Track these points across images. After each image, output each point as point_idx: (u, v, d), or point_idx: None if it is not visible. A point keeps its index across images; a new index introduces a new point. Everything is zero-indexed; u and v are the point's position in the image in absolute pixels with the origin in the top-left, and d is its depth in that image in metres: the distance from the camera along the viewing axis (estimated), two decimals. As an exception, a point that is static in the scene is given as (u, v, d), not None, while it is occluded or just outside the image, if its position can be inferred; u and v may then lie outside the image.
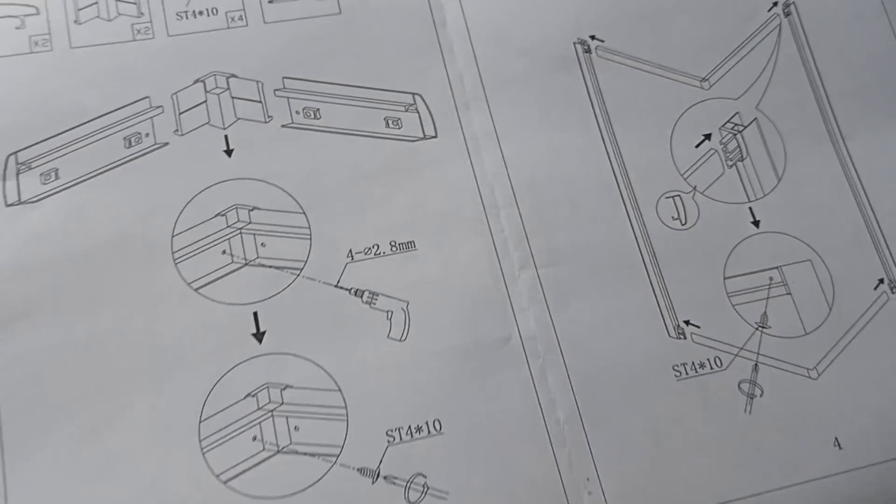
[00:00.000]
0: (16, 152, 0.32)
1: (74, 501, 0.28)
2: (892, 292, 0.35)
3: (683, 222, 0.35)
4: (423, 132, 0.35)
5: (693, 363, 0.33)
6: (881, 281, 0.35)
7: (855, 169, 0.37)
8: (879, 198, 0.36)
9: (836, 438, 0.33)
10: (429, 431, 0.31)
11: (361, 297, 0.32)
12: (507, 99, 0.35)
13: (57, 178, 0.32)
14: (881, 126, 0.37)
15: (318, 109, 0.34)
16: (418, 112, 0.35)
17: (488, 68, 0.36)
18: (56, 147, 0.32)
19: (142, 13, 0.34)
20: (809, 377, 0.34)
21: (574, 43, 0.37)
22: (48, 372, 0.30)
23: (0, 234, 0.31)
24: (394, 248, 0.33)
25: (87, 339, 0.30)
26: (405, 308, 0.32)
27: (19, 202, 0.31)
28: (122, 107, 0.33)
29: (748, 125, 0.37)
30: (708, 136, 0.36)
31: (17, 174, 0.32)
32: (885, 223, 0.36)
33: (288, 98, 0.34)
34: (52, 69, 0.33)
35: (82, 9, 0.34)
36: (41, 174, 0.32)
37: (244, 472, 0.30)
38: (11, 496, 0.28)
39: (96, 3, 0.34)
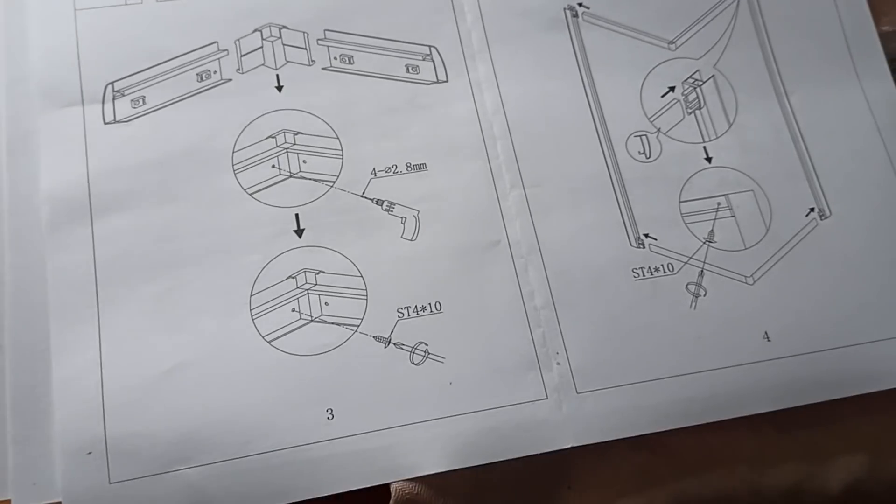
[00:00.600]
0: (112, 82, 0.40)
1: (153, 345, 0.36)
2: (821, 219, 0.42)
3: (648, 156, 0.42)
4: (437, 77, 0.42)
5: (649, 267, 0.40)
6: (812, 209, 0.42)
7: (795, 118, 0.43)
8: (814, 141, 0.43)
9: (766, 332, 0.39)
10: (431, 310, 0.38)
11: (381, 205, 0.40)
12: (506, 52, 0.42)
13: (144, 103, 0.40)
14: (820, 83, 0.44)
15: (352, 56, 0.42)
16: (433, 61, 0.42)
17: (492, 26, 0.43)
18: (144, 79, 0.40)
19: (213, -26, 0.42)
20: (746, 283, 0.40)
21: (564, 9, 0.44)
22: (134, 248, 0.37)
23: (99, 145, 0.39)
24: (409, 168, 0.40)
25: (164, 225, 0.38)
26: (416, 215, 0.40)
27: (115, 121, 0.39)
28: (196, 49, 0.41)
29: (706, 80, 0.44)
30: (672, 89, 0.43)
31: (114, 99, 0.40)
32: (818, 163, 0.43)
33: (328, 46, 0.42)
34: (142, 18, 0.41)
35: (166, -29, 0.42)
36: (131, 100, 0.40)
37: (284, 335, 0.37)
38: (105, 338, 0.36)
39: (177, -34, 0.42)
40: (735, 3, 0.45)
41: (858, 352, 0.39)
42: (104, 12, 0.41)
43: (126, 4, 0.41)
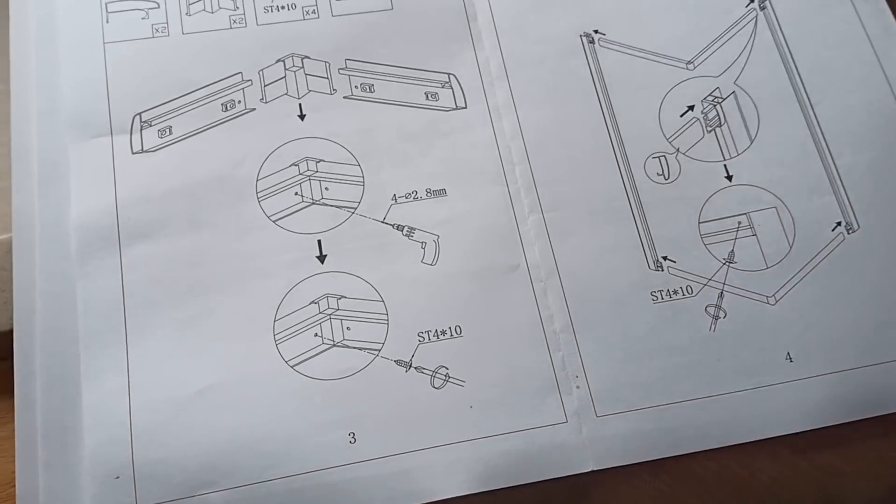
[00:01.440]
0: (140, 113, 0.41)
1: (179, 371, 0.37)
2: (848, 233, 0.41)
3: (667, 177, 0.42)
4: (456, 104, 0.42)
5: (668, 290, 0.40)
6: (839, 223, 0.41)
7: (820, 128, 0.43)
8: (841, 152, 0.42)
9: (788, 353, 0.39)
10: (451, 334, 0.38)
11: (402, 230, 0.40)
12: (524, 78, 0.43)
13: (171, 133, 0.40)
14: (846, 93, 0.44)
15: (373, 84, 0.42)
16: (452, 88, 0.43)
17: (510, 53, 0.43)
18: (171, 110, 0.41)
19: (237, 7, 0.43)
20: (768, 303, 0.40)
21: (580, 35, 0.44)
22: (162, 275, 0.38)
23: (127, 174, 0.39)
24: (429, 194, 0.41)
25: (190, 252, 0.39)
26: (436, 240, 0.40)
27: (142, 151, 0.40)
28: (221, 79, 0.42)
29: (727, 97, 0.43)
30: (691, 108, 0.43)
31: (141, 130, 0.40)
32: (845, 174, 0.42)
33: (349, 75, 0.42)
34: (168, 50, 0.42)
35: (192, 3, 0.43)
36: (158, 130, 0.40)
37: (307, 359, 0.38)
38: (132, 364, 0.37)
39: (202, 0, 0.43)
40: (753, 20, 0.45)
41: (883, 371, 0.39)
42: (132, 45, 0.42)
43: (153, 37, 0.42)
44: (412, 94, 0.42)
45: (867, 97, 0.44)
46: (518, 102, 0.42)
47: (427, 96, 0.42)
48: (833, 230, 0.41)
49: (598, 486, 0.37)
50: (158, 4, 0.43)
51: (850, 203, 0.42)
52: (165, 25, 0.42)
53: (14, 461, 0.35)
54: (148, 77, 0.41)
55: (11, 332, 0.37)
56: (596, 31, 0.44)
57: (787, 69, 0.44)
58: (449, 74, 0.43)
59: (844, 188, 0.42)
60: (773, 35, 0.45)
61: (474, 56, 0.43)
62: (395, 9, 0.44)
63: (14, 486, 0.35)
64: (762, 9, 0.45)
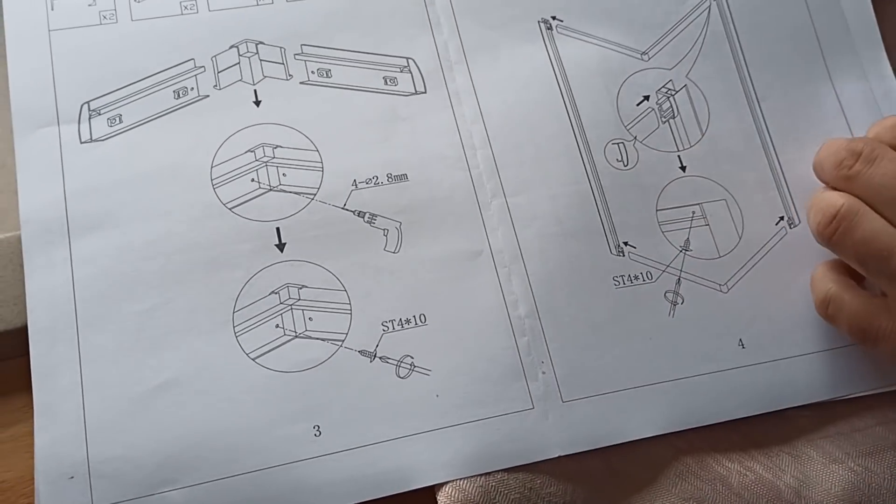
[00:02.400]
0: (88, 101, 0.39)
1: (135, 365, 0.35)
2: (790, 227, 0.42)
3: (625, 164, 0.41)
4: (415, 88, 0.41)
5: (629, 275, 0.39)
6: (781, 218, 0.42)
7: (766, 125, 0.43)
8: (784, 148, 0.43)
9: (741, 339, 0.39)
10: (416, 323, 0.37)
11: (363, 217, 0.39)
12: (483, 63, 0.42)
13: (120, 122, 0.39)
14: (791, 89, 0.44)
15: (330, 70, 0.41)
16: (411, 73, 0.41)
17: (468, 38, 0.42)
18: (120, 98, 0.39)
19: (188, -8, 0.41)
20: (721, 291, 0.40)
21: (538, 21, 0.43)
22: (114, 268, 0.36)
23: (75, 165, 0.37)
24: (390, 179, 0.39)
25: (144, 243, 0.37)
26: (398, 227, 0.39)
27: (91, 140, 0.38)
28: (172, 66, 0.40)
29: (679, 90, 0.43)
30: (647, 98, 0.43)
31: (90, 119, 0.38)
32: (788, 170, 0.42)
33: (305, 61, 0.41)
34: (117, 37, 0.40)
35: (141, -11, 0.41)
36: (108, 119, 0.39)
37: (269, 351, 0.36)
38: (85, 360, 0.35)
39: (153, -16, 0.41)
40: (706, 13, 0.45)
41: (823, 358, 0.39)
42: (79, 32, 0.40)
43: (101, 24, 0.40)
44: (370, 79, 0.41)
45: (811, 94, 0.44)
46: (478, 87, 0.41)
47: (386, 81, 0.41)
48: (777, 224, 0.42)
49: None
50: (105, -11, 0.41)
51: (791, 198, 0.42)
52: (114, 12, 0.40)
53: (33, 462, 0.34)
54: (96, 65, 0.39)
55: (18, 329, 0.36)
56: (554, 18, 0.43)
57: (736, 64, 0.44)
58: (407, 59, 0.42)
59: (787, 184, 0.42)
60: (724, 28, 0.45)
61: (433, 40, 0.42)
62: (352, -8, 0.42)
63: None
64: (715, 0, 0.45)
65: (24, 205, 0.37)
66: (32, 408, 0.34)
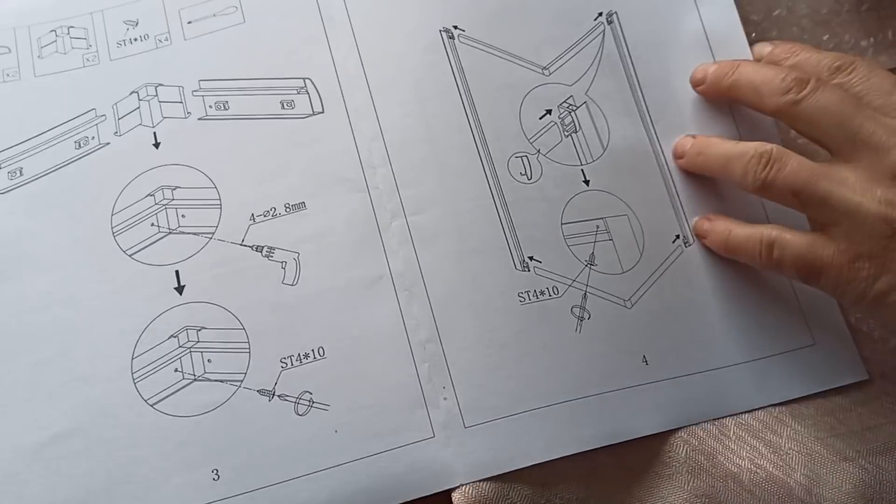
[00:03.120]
0: (-9, 157, 0.39)
1: (31, 416, 0.35)
2: (685, 246, 0.39)
3: (529, 177, 0.39)
4: (312, 109, 0.40)
5: (535, 290, 0.37)
6: (677, 236, 0.39)
7: (660, 145, 0.41)
8: (677, 170, 0.41)
9: (644, 356, 0.37)
10: (314, 357, 0.36)
11: (261, 251, 0.37)
12: (383, 77, 0.40)
13: (21, 175, 0.39)
14: (684, 108, 0.41)
15: (227, 102, 0.40)
16: (308, 93, 0.40)
17: (367, 51, 0.40)
18: (21, 151, 0.39)
19: (90, 45, 0.41)
20: (625, 306, 0.38)
21: (440, 31, 0.41)
22: (9, 319, 0.36)
23: (-24, 218, 0.38)
24: (288, 209, 0.38)
25: (41, 294, 0.37)
26: (296, 258, 0.37)
27: (-10, 194, 0.39)
28: (74, 117, 0.40)
29: (580, 106, 0.41)
30: (549, 112, 0.40)
31: (-8, 173, 0.39)
32: (682, 190, 0.40)
33: (203, 96, 0.40)
34: (21, 94, 0.40)
35: (44, 46, 0.41)
36: (8, 172, 0.39)
37: (167, 396, 0.35)
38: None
39: (55, 41, 0.41)
40: (601, 34, 0.42)
41: (724, 375, 0.37)
42: (-17, 92, 0.40)
43: (4, 82, 0.40)
44: (267, 105, 0.40)
45: (705, 117, 0.41)
46: (377, 102, 0.39)
47: (283, 105, 0.40)
48: (673, 242, 0.39)
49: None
50: (10, 49, 0.41)
51: (686, 218, 0.40)
52: (17, 69, 0.41)
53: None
54: (1, 121, 0.40)
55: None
56: (455, 27, 0.41)
57: (630, 84, 0.42)
58: (304, 79, 0.40)
59: (681, 203, 0.40)
60: (618, 49, 0.42)
61: (330, 57, 0.40)
62: (247, 21, 0.41)
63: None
64: (609, 23, 0.43)
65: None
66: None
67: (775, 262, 0.36)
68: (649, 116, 0.41)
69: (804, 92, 0.35)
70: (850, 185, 0.34)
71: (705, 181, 0.40)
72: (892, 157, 0.33)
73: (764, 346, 0.38)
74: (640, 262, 0.38)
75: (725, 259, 0.39)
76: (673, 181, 0.40)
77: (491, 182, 0.38)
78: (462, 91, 0.40)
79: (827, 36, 0.44)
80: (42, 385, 0.35)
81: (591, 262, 0.38)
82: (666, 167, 0.41)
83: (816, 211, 0.35)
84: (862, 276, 0.33)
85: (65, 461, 0.34)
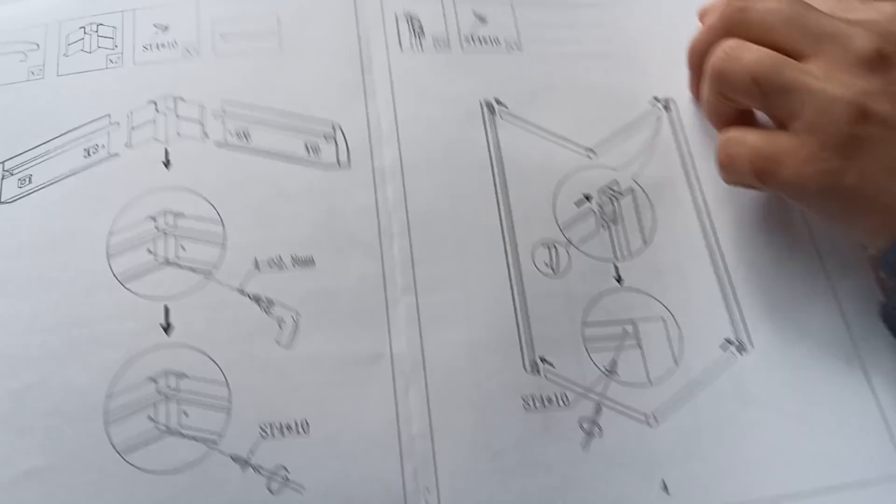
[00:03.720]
0: (3, 161, 0.37)
1: (5, 447, 0.32)
2: (739, 353, 0.35)
3: (555, 270, 0.35)
4: (338, 160, 0.36)
5: (542, 397, 0.33)
6: (729, 342, 0.35)
7: (717, 239, 0.37)
8: (737, 266, 0.36)
9: (664, 481, 0.32)
10: (297, 430, 0.33)
11: (259, 302, 0.35)
12: (415, 140, 0.37)
13: (30, 182, 0.36)
14: (743, 203, 0.38)
15: (249, 131, 0.37)
16: (335, 141, 0.37)
17: (403, 111, 0.37)
18: (33, 157, 0.36)
19: (116, 45, 0.38)
20: (647, 424, 0.33)
21: (480, 102, 0.38)
22: (1, 338, 0.34)
23: (-19, 229, 0.36)
24: (294, 262, 0.35)
25: (31, 314, 0.34)
26: (294, 317, 0.34)
27: (0, 202, 0.36)
28: (88, 122, 0.37)
29: (625, 193, 0.37)
30: (588, 198, 0.37)
31: (2, 179, 0.36)
32: (741, 289, 0.36)
33: (224, 119, 0.37)
34: (42, 93, 0.38)
35: (71, 43, 0.38)
36: (18, 179, 0.36)
37: (137, 446, 0.33)
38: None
39: (82, 39, 0.38)
40: (657, 118, 0.39)
41: None
42: (6, 89, 0.38)
43: (28, 80, 0.38)
44: (291, 145, 0.37)
45: (764, 213, 0.37)
46: (406, 167, 0.36)
47: (308, 148, 0.36)
48: (723, 349, 0.35)
49: None
50: (38, 45, 0.38)
51: (743, 320, 0.35)
52: (42, 67, 0.38)
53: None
54: (19, 123, 0.37)
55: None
56: (498, 102, 0.37)
57: (686, 173, 0.38)
58: (334, 124, 0.37)
59: (738, 304, 0.36)
60: (674, 136, 0.39)
61: (364, 109, 0.37)
62: (284, 49, 0.38)
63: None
64: (666, 108, 0.39)
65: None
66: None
67: (730, 160, 0.34)
68: (706, 208, 0.37)
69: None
70: (813, 73, 0.31)
71: (770, 280, 0.36)
72: (854, 43, 0.31)
73: (837, 474, 0.33)
74: (674, 374, 0.34)
75: (790, 368, 0.35)
76: (730, 280, 0.36)
77: (511, 270, 0.35)
78: (495, 168, 0.36)
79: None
80: (19, 416, 0.33)
81: (610, 371, 0.34)
82: (722, 265, 0.36)
83: (777, 100, 0.32)
84: (826, 167, 0.31)
85: (34, 501, 0.32)
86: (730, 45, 0.33)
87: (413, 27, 0.38)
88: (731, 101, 0.35)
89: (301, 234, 0.35)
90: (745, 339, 0.35)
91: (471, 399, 0.33)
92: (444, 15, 0.39)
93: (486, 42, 0.39)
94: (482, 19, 0.39)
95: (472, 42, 0.39)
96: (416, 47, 0.38)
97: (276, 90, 0.37)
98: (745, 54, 0.33)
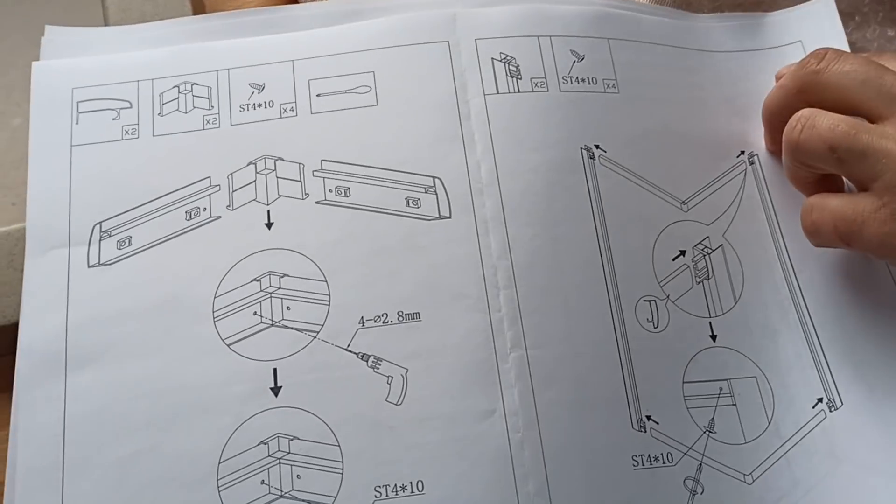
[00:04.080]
0: (100, 222, 0.37)
1: (114, 519, 0.32)
2: (830, 410, 0.34)
3: (656, 326, 0.35)
4: (439, 212, 0.36)
5: (649, 455, 0.33)
6: (820, 400, 0.34)
7: (803, 297, 0.36)
8: (824, 324, 0.36)
9: None
10: (412, 491, 0.32)
11: (367, 361, 0.34)
12: (517, 188, 0.36)
13: (130, 244, 0.36)
14: (827, 259, 0.37)
15: (349, 188, 0.37)
16: (436, 194, 0.36)
17: (504, 159, 0.36)
18: (132, 218, 0.37)
19: (212, 105, 0.38)
20: (745, 482, 0.33)
21: (581, 148, 0.37)
22: (105, 407, 0.34)
23: (81, 292, 0.35)
24: (400, 318, 0.35)
25: (137, 380, 0.34)
26: (404, 375, 0.34)
27: (98, 264, 0.36)
28: (188, 185, 0.37)
29: (715, 249, 0.37)
30: (683, 253, 0.36)
31: (100, 240, 0.36)
32: (828, 347, 0.35)
33: (324, 178, 0.37)
34: (137, 154, 0.38)
35: (166, 102, 0.38)
36: (118, 241, 0.36)
37: (251, 511, 0.32)
38: (66, 510, 0.33)
39: (177, 98, 0.39)
40: (742, 173, 0.38)
41: None
42: (100, 148, 0.38)
43: (122, 140, 0.38)
44: (392, 200, 0.36)
45: (848, 269, 0.37)
46: (508, 215, 0.36)
47: (408, 202, 0.36)
48: (814, 407, 0.34)
49: None
50: (131, 104, 0.39)
51: (832, 378, 0.35)
52: (136, 127, 0.38)
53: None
54: (113, 183, 0.37)
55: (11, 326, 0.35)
56: (597, 147, 0.37)
57: (770, 230, 0.38)
58: (434, 178, 0.37)
59: (827, 362, 0.35)
60: (759, 192, 0.38)
61: (464, 159, 0.37)
62: (381, 105, 0.38)
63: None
64: (751, 163, 0.39)
65: (25, 335, 0.35)
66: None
67: (814, 226, 0.34)
68: (792, 267, 0.37)
69: (823, 62, 0.34)
70: (890, 136, 0.31)
71: (855, 334, 0.35)
72: None
73: None
74: (767, 431, 0.34)
75: (884, 424, 0.34)
76: (818, 338, 0.36)
77: (617, 326, 0.34)
78: (597, 218, 0.36)
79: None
80: (129, 484, 0.33)
81: (710, 429, 0.34)
82: (809, 322, 0.36)
83: (855, 165, 0.32)
84: None
85: None
86: (804, 115, 0.33)
87: (509, 69, 0.38)
88: (811, 169, 0.35)
89: (405, 289, 0.35)
90: (834, 397, 0.34)
91: (584, 458, 0.32)
92: (542, 55, 0.38)
93: (583, 81, 0.38)
94: (580, 57, 0.39)
95: (569, 81, 0.38)
96: (514, 89, 0.38)
97: (375, 146, 0.37)
98: (820, 122, 0.33)
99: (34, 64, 0.39)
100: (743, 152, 0.39)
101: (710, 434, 0.34)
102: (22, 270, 0.36)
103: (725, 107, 0.40)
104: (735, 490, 0.33)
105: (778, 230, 0.38)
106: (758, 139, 0.40)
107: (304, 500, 0.32)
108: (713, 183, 0.38)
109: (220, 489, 0.33)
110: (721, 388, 0.34)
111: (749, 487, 0.33)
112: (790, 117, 0.34)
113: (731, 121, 0.40)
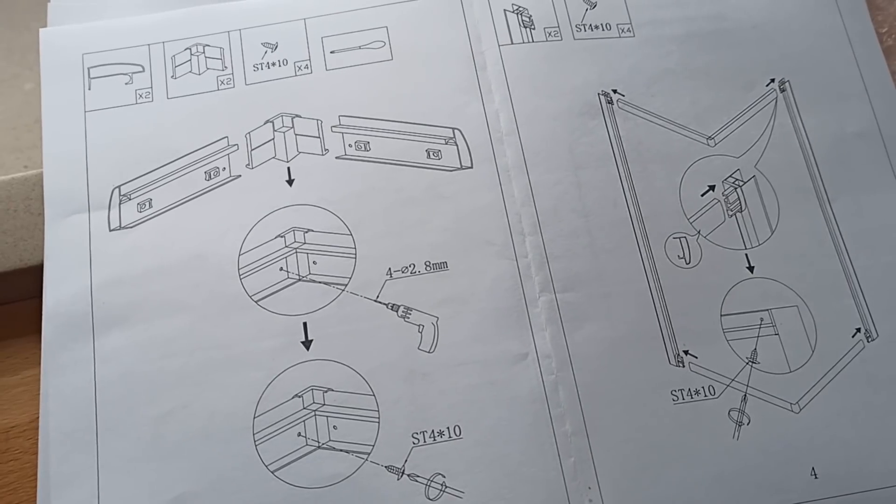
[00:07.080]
0: (119, 186, 0.35)
1: (151, 476, 0.31)
2: (868, 341, 0.33)
3: (688, 261, 0.34)
4: (461, 163, 0.35)
5: (689, 389, 0.32)
6: (858, 330, 0.33)
7: (838, 226, 0.35)
8: (858, 254, 0.35)
9: (814, 468, 0.31)
10: (449, 436, 0.31)
11: (397, 311, 0.33)
12: (537, 135, 0.35)
13: (150, 206, 0.34)
14: (861, 191, 0.36)
15: (368, 142, 0.35)
16: (457, 145, 0.35)
17: (522, 107, 0.35)
18: (151, 181, 0.35)
19: (225, 66, 0.36)
20: (792, 411, 0.32)
21: (598, 94, 0.36)
22: (136, 366, 0.32)
23: (103, 254, 0.34)
24: (428, 268, 0.33)
25: (166, 339, 0.32)
26: (435, 323, 0.32)
27: (120, 227, 0.34)
28: (205, 146, 0.35)
29: (747, 181, 0.36)
30: (712, 188, 0.35)
31: (120, 204, 0.34)
32: (863, 277, 0.34)
33: (343, 133, 0.35)
34: (152, 117, 0.36)
35: (179, 65, 0.36)
36: (138, 204, 0.34)
37: (289, 463, 0.31)
38: (103, 469, 0.31)
39: (189, 60, 0.36)
40: (773, 102, 0.37)
41: None
42: (114, 113, 0.36)
43: (137, 104, 0.36)
44: (412, 152, 0.35)
45: (882, 198, 0.35)
46: (530, 163, 0.34)
47: (429, 154, 0.35)
48: (853, 336, 0.33)
49: None
50: (143, 68, 0.36)
51: (868, 309, 0.34)
52: (150, 90, 0.36)
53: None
54: (130, 147, 0.35)
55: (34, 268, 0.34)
56: (615, 91, 0.36)
57: (805, 158, 0.36)
58: (454, 129, 0.35)
59: (863, 292, 0.34)
60: (791, 120, 0.37)
61: (482, 109, 0.35)
62: (396, 59, 0.36)
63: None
64: (782, 90, 0.37)
65: (49, 298, 0.33)
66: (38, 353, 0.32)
67: None
68: (826, 195, 0.35)
69: None
70: None
71: (890, 266, 0.34)
72: None
73: None
74: (812, 360, 0.33)
75: None
76: (853, 267, 0.34)
77: (646, 264, 0.33)
78: (619, 161, 0.35)
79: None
80: (164, 442, 0.31)
81: (752, 360, 0.32)
82: (844, 251, 0.35)
83: None
84: None
85: None
86: None
87: (522, 19, 0.36)
88: None
89: (431, 239, 0.33)
90: (871, 327, 0.33)
91: (621, 395, 0.31)
92: (553, 4, 0.37)
93: (596, 28, 0.37)
94: (592, 4, 0.37)
95: (582, 29, 0.37)
96: (528, 39, 0.36)
97: (393, 100, 0.35)
98: None
99: (41, 31, 0.37)
100: (773, 80, 0.37)
101: (754, 365, 0.32)
102: (39, 214, 0.34)
103: (753, 34, 0.38)
104: (783, 419, 0.32)
105: (812, 157, 0.36)
106: (790, 63, 0.37)
107: (342, 451, 0.31)
108: (741, 115, 0.37)
109: (257, 443, 0.31)
110: (762, 319, 0.33)
111: (796, 416, 0.32)
112: None
113: (760, 48, 0.38)
